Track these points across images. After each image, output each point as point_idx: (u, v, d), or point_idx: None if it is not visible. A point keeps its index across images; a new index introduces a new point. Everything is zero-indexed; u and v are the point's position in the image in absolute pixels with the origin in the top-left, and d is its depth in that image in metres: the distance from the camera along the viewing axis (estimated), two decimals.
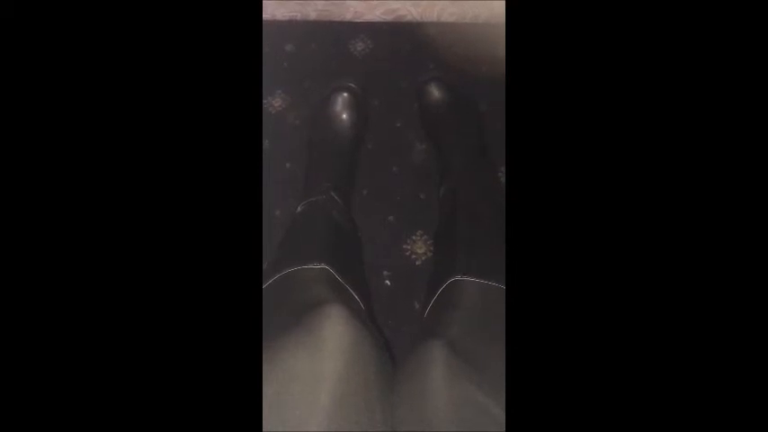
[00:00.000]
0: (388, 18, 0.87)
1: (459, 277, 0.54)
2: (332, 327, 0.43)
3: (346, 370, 0.42)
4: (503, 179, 0.78)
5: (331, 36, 0.87)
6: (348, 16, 0.87)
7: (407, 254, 0.75)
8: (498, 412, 0.39)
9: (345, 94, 0.76)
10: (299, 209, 0.68)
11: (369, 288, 0.69)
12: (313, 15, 0.88)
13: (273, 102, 0.84)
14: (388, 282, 0.73)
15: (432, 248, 0.74)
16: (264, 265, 0.59)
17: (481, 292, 0.53)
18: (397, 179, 0.79)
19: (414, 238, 0.75)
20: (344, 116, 0.76)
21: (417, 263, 0.74)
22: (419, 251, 0.74)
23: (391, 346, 0.63)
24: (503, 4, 0.86)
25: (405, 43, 0.86)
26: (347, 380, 0.41)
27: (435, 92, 0.76)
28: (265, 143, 0.81)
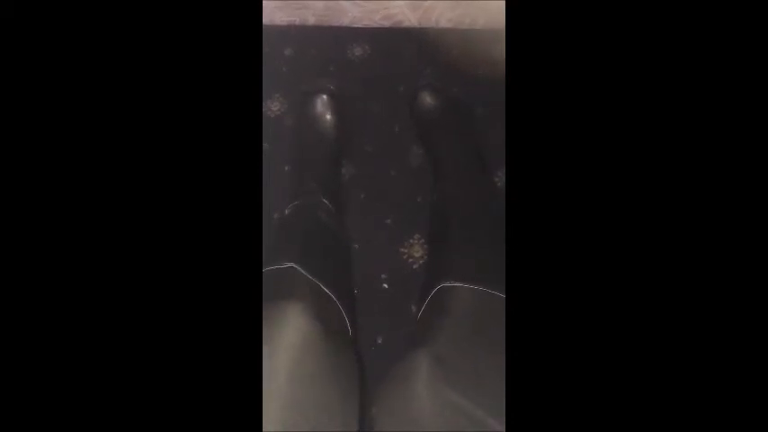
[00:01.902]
0: (387, 23, 0.87)
1: (447, 284, 0.55)
2: (285, 323, 0.45)
3: (296, 366, 0.43)
4: (499, 183, 0.78)
5: (329, 41, 0.88)
6: (346, 21, 0.87)
7: (405, 257, 0.75)
8: (484, 417, 0.40)
9: (325, 97, 0.76)
10: (286, 211, 0.69)
11: (350, 285, 0.70)
12: (312, 20, 0.88)
13: (272, 105, 0.85)
14: (385, 285, 0.73)
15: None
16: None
17: (471, 297, 0.53)
18: (395, 182, 0.79)
19: (411, 241, 0.75)
20: (326, 117, 0.76)
21: (414, 266, 0.74)
22: (416, 254, 0.75)
23: (360, 345, 0.63)
24: (501, 10, 0.86)
25: (403, 48, 0.87)
26: (299, 377, 0.42)
27: (427, 99, 0.76)
28: (264, 146, 0.81)
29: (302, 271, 0.55)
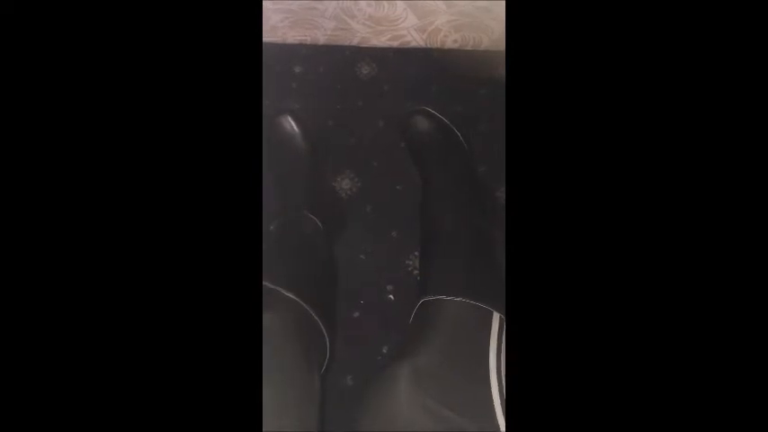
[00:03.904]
0: (394, 44, 0.90)
1: (428, 298, 0.57)
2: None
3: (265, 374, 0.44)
4: (502, 199, 0.81)
5: (338, 59, 0.91)
6: (355, 41, 0.91)
7: (409, 269, 0.77)
8: (466, 425, 0.42)
9: (289, 117, 0.78)
10: (271, 227, 0.70)
11: (334, 300, 0.71)
12: (322, 40, 0.91)
13: None
14: (391, 296, 0.75)
15: None
16: None
17: (453, 310, 0.55)
18: (401, 196, 0.81)
19: (416, 253, 0.77)
20: (296, 134, 0.77)
21: (419, 278, 0.76)
22: None
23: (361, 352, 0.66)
24: (502, 34, 0.90)
25: (409, 67, 0.90)
26: (268, 383, 0.43)
27: (418, 125, 0.78)
28: None
29: (272, 286, 0.56)
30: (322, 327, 0.58)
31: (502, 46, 0.87)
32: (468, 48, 0.89)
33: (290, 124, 0.77)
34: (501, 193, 0.81)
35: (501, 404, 0.45)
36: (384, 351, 0.72)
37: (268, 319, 0.49)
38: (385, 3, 0.81)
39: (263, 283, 0.57)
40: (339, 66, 0.91)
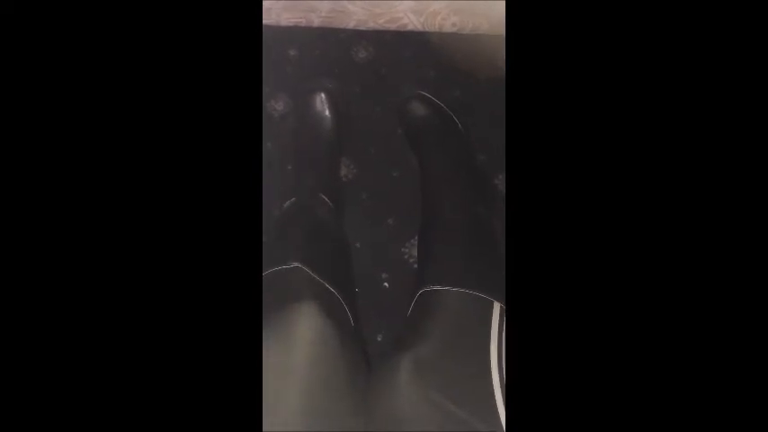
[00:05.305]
0: (391, 27, 0.88)
1: (428, 288, 0.56)
2: (300, 323, 0.46)
3: (314, 363, 0.44)
4: (501, 187, 0.80)
5: (334, 42, 0.89)
6: (351, 24, 0.88)
7: (405, 257, 0.76)
8: (467, 417, 0.41)
9: (323, 95, 0.77)
10: (285, 205, 0.70)
11: (353, 283, 0.71)
12: (317, 22, 0.89)
13: (276, 105, 0.86)
14: (386, 284, 0.75)
15: None
16: None
17: (453, 301, 0.54)
18: (398, 183, 0.80)
19: (412, 241, 0.76)
20: (325, 116, 0.77)
21: (415, 266, 0.75)
22: (416, 254, 0.76)
23: (366, 342, 0.65)
24: (502, 18, 0.88)
25: (406, 51, 0.88)
26: (316, 374, 0.44)
27: (414, 110, 0.77)
28: (268, 145, 0.82)
29: (308, 270, 0.56)
30: (345, 307, 0.57)
31: (502, 30, 0.85)
32: (467, 32, 0.88)
33: (323, 103, 0.76)
34: (500, 181, 0.80)
35: (502, 395, 0.44)
36: (378, 339, 0.71)
37: (306, 306, 0.48)
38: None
39: (295, 264, 0.55)
40: (335, 49, 0.89)
